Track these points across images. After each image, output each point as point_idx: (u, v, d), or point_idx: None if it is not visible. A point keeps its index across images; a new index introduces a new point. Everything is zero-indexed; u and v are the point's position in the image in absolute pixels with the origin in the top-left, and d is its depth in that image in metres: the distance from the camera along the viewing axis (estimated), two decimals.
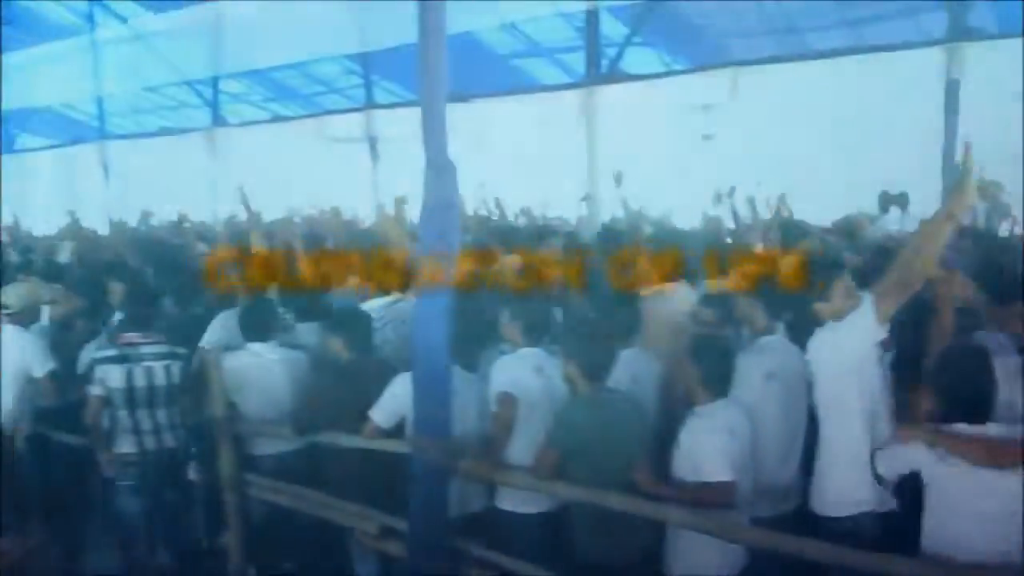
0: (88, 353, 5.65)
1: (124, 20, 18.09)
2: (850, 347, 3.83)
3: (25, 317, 5.66)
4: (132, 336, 5.18)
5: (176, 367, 5.20)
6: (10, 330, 5.53)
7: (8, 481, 1.99)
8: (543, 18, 13.25)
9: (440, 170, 3.92)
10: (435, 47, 3.90)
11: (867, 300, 3.78)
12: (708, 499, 3.68)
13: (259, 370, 5.05)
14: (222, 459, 5.04)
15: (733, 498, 3.73)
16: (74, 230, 11.24)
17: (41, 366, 5.50)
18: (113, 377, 5.08)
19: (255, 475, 5.08)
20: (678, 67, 12.99)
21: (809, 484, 4.07)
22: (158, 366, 5.14)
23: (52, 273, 7.53)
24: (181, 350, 5.31)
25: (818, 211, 9.21)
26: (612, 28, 12.87)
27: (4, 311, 5.55)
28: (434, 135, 3.92)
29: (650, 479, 3.89)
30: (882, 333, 3.81)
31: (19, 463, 5.38)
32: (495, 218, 9.76)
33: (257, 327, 5.14)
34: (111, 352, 5.13)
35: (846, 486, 3.86)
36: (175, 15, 16.83)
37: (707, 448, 3.77)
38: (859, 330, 3.80)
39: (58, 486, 5.68)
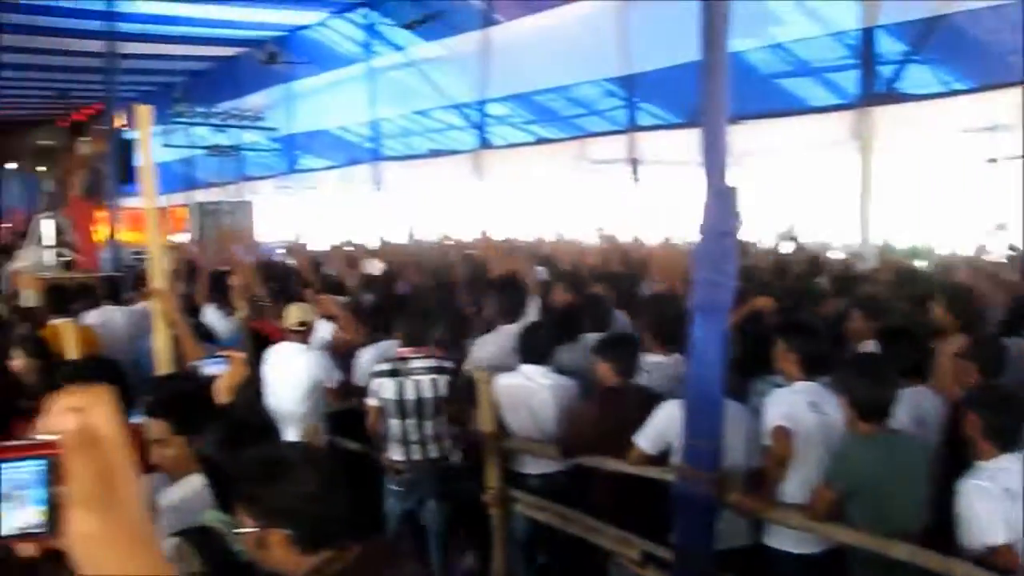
0: (363, 363, 6.01)
1: (399, 48, 19.18)
2: None
3: (308, 334, 6.05)
4: (405, 350, 5.43)
5: (443, 380, 5.37)
6: (296, 346, 5.93)
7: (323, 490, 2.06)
8: (813, 38, 12.84)
9: (720, 195, 3.84)
10: (717, 73, 3.85)
11: None
12: (990, 564, 3.40)
13: (529, 393, 5.10)
14: (488, 474, 5.16)
15: (1015, 564, 3.40)
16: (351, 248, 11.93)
17: (333, 378, 5.90)
18: (386, 389, 5.34)
19: (521, 493, 5.16)
20: (960, 86, 12.15)
21: None
22: (426, 379, 5.33)
23: (338, 290, 8.08)
24: (448, 363, 5.49)
25: None
26: (886, 46, 12.25)
27: (295, 329, 5.95)
28: (714, 159, 3.86)
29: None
30: None
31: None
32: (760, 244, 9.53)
33: (532, 350, 5.20)
34: (385, 366, 5.40)
35: None
36: (446, 42, 17.67)
37: (979, 510, 3.46)
38: None
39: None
